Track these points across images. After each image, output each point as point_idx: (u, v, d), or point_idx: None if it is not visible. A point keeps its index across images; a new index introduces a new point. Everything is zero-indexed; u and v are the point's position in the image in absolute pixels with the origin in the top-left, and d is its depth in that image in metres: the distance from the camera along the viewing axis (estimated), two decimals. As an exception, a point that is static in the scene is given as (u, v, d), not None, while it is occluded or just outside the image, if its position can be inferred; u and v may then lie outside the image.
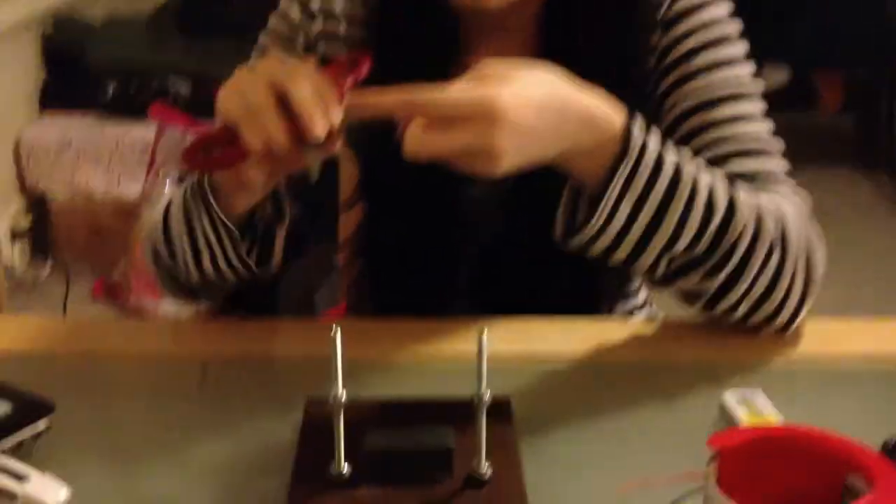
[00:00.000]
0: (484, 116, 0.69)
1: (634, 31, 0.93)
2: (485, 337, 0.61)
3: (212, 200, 0.83)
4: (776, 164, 0.91)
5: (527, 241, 0.94)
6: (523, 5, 0.90)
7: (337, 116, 0.72)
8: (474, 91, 0.70)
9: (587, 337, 0.87)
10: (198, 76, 2.71)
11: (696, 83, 0.91)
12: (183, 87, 2.74)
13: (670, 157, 0.79)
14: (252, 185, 0.81)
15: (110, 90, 2.72)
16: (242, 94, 0.72)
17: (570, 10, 0.92)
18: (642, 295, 1.09)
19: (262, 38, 0.99)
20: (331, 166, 1.00)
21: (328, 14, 0.97)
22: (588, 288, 0.98)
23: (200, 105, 2.56)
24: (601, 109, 0.76)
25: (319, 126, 0.71)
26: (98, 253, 2.47)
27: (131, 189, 2.60)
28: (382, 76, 0.75)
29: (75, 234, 2.69)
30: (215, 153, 0.76)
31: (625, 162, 0.76)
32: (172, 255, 0.89)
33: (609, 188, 0.77)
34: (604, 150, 0.76)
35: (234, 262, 0.86)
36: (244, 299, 0.96)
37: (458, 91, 0.70)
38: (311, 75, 0.72)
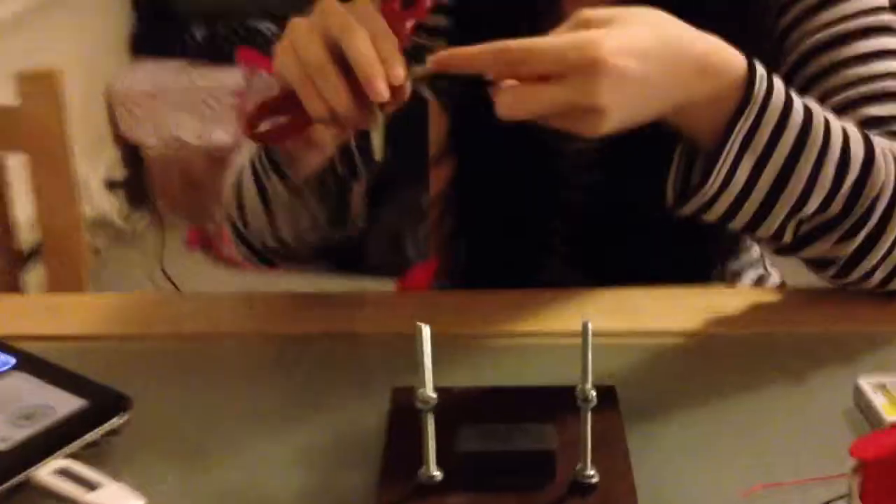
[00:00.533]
0: (584, 67, 0.61)
1: None
2: (590, 327, 0.54)
3: (279, 161, 0.77)
4: None
5: (630, 202, 0.86)
6: None
7: (399, 71, 0.64)
8: (572, 38, 0.62)
9: (698, 308, 0.79)
10: (286, 17, 2.66)
11: (821, 17, 0.81)
12: (271, 30, 2.69)
13: (797, 106, 0.69)
14: (321, 143, 0.75)
15: (198, 35, 2.69)
16: (297, 52, 0.65)
17: None
18: (755, 250, 1.00)
19: None
20: (419, 110, 0.94)
21: None
22: (697, 250, 0.90)
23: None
24: (718, 54, 0.67)
25: (379, 85, 0.63)
26: (192, 202, 2.47)
27: (223, 137, 2.59)
28: (462, 33, 0.68)
29: (169, 184, 2.69)
30: (276, 122, 0.70)
31: (746, 113, 0.67)
32: (246, 223, 0.85)
33: (728, 143, 0.68)
34: (722, 100, 0.67)
35: (310, 223, 0.82)
36: (330, 247, 0.90)
37: (553, 40, 0.62)
38: (368, 20, 0.65)
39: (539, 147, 0.87)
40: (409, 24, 0.68)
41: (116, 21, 2.78)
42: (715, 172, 0.68)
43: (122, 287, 2.43)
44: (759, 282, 0.99)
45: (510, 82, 0.63)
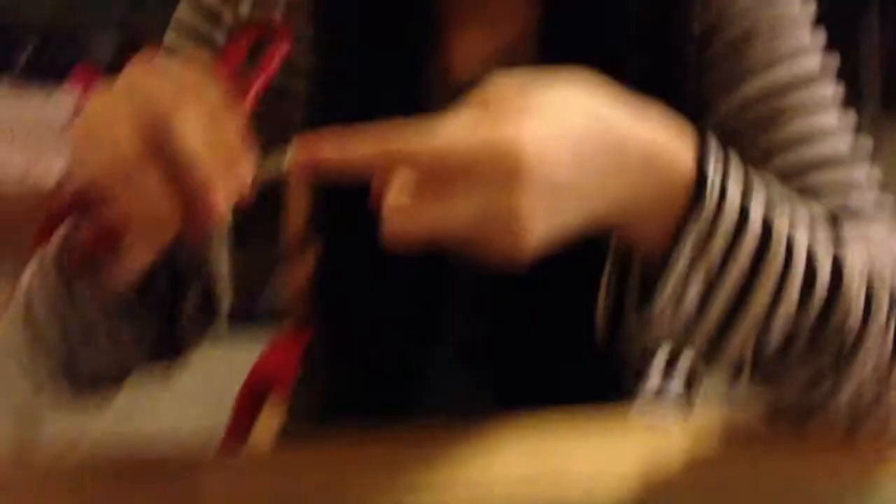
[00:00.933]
0: (500, 169, 0.46)
1: (673, 11, 0.68)
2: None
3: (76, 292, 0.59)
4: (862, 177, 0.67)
5: (536, 315, 0.71)
6: None
7: (244, 174, 0.48)
8: (483, 141, 0.47)
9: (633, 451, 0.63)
10: (128, 28, 2.40)
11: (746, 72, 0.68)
12: (109, 44, 2.43)
13: (756, 206, 0.55)
14: (132, 252, 0.56)
15: (29, 49, 2.41)
16: (104, 144, 0.48)
17: None
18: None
19: (169, 36, 0.72)
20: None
21: None
22: (611, 367, 0.74)
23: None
24: (665, 143, 0.53)
25: (217, 199, 0.47)
26: (8, 253, 2.19)
27: (52, 173, 2.31)
28: (329, 92, 0.57)
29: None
30: (79, 238, 0.52)
31: (695, 218, 0.53)
32: (48, 352, 0.64)
33: (676, 256, 0.53)
34: (668, 202, 0.53)
35: (134, 354, 0.63)
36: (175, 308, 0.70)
37: (459, 140, 0.47)
38: (198, 92, 0.49)
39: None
40: (255, 88, 0.51)
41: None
42: (662, 290, 0.54)
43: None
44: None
45: (398, 184, 0.48)
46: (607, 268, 0.57)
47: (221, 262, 0.65)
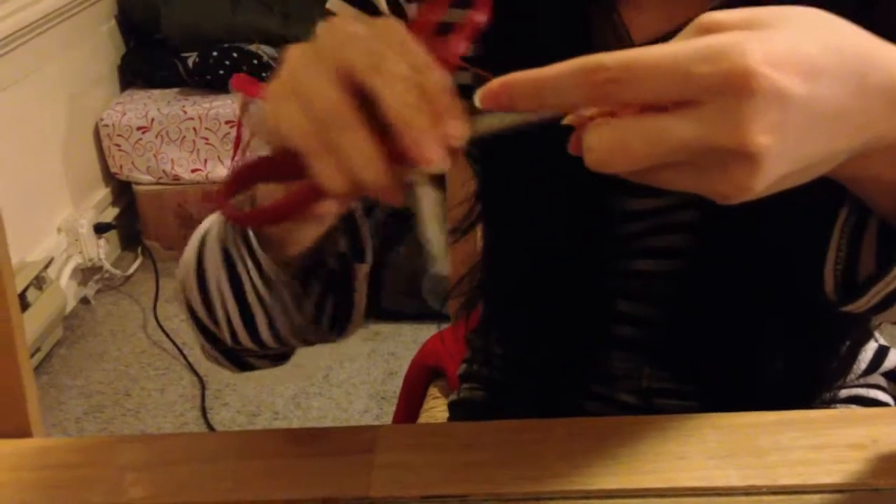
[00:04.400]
0: (725, 86, 0.37)
1: None
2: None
3: (255, 244, 0.57)
4: None
5: (733, 294, 0.65)
6: None
7: (458, 127, 0.42)
8: (700, 46, 0.38)
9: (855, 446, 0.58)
10: (282, 39, 2.46)
11: None
12: (266, 52, 2.49)
13: None
14: (318, 216, 0.54)
15: (190, 62, 2.50)
16: (303, 100, 0.43)
17: None
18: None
19: (332, 2, 0.71)
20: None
21: None
22: (815, 358, 0.68)
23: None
24: None
25: (433, 151, 0.41)
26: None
27: (220, 171, 2.39)
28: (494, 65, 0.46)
29: (163, 224, 2.50)
30: (266, 198, 0.49)
31: None
32: (215, 318, 0.62)
33: None
34: None
35: (299, 322, 0.61)
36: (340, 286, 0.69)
37: (671, 48, 0.38)
38: (404, 49, 0.43)
39: (598, 208, 0.66)
40: (460, 49, 0.45)
41: (105, 50, 2.60)
42: None
43: (112, 339, 2.24)
44: (879, 358, 0.78)
45: (588, 112, 0.40)
46: (839, 222, 0.50)
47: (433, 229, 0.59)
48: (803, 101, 0.38)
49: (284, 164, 0.45)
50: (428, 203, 0.46)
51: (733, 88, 0.37)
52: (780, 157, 0.38)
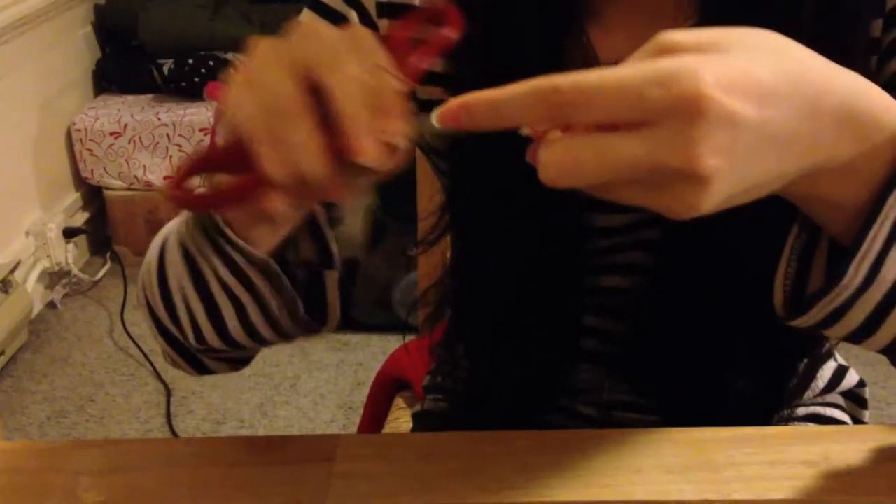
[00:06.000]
0: (677, 109, 0.38)
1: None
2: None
3: (226, 234, 0.56)
4: None
5: (694, 311, 0.66)
6: None
7: (399, 125, 0.44)
8: (653, 69, 0.38)
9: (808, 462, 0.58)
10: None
11: None
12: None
13: None
14: (274, 217, 0.55)
15: (165, 68, 2.49)
16: (258, 89, 0.45)
17: None
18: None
19: (305, 14, 0.71)
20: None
21: None
22: (775, 375, 0.69)
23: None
24: (867, 98, 0.43)
25: (368, 145, 0.43)
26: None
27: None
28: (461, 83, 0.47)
29: (133, 230, 2.48)
30: (214, 186, 0.49)
31: None
32: (175, 318, 0.62)
33: (876, 222, 0.46)
34: (869, 162, 0.45)
35: (266, 320, 0.60)
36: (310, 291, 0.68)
37: (625, 71, 0.39)
38: (363, 51, 0.45)
39: (565, 223, 0.66)
40: (422, 64, 0.47)
41: (80, 54, 2.58)
42: (854, 266, 0.47)
43: (78, 344, 2.22)
44: (837, 377, 0.79)
45: (556, 134, 0.41)
46: (791, 238, 0.51)
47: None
48: (753, 125, 0.39)
49: (237, 155, 0.46)
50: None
51: (684, 112, 0.37)
52: (728, 178, 0.39)
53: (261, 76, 0.44)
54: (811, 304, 0.49)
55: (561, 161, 0.40)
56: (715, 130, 0.38)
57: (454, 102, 0.42)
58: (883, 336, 0.50)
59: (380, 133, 0.43)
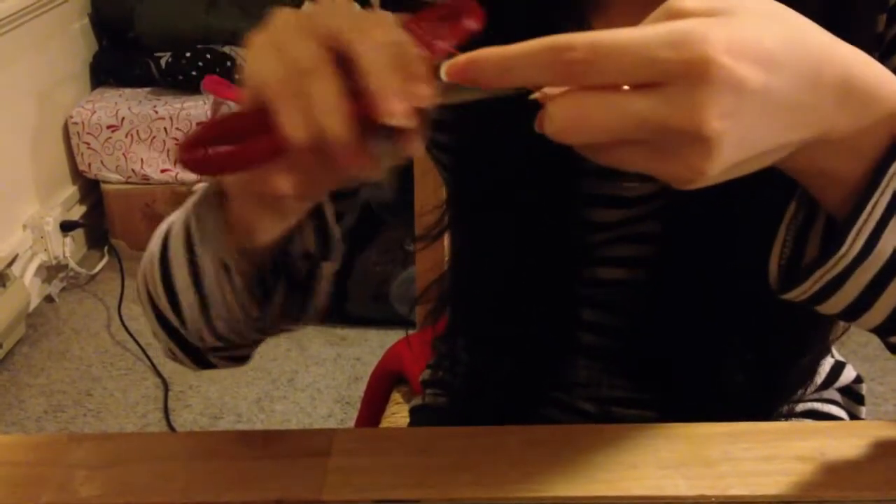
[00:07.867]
0: (685, 71, 0.38)
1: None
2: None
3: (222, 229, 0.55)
4: None
5: (697, 284, 0.65)
6: None
7: (425, 93, 0.42)
8: (664, 31, 0.39)
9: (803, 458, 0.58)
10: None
11: None
12: (240, 55, 2.48)
13: None
14: (283, 201, 0.52)
15: (162, 62, 2.48)
16: (282, 50, 0.43)
17: None
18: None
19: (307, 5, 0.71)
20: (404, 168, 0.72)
21: None
22: (775, 371, 0.69)
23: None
24: (868, 69, 0.44)
25: (398, 106, 0.42)
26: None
27: (188, 171, 2.37)
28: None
29: (130, 224, 2.48)
30: (229, 148, 0.46)
31: None
32: (178, 310, 0.61)
33: (874, 195, 0.46)
34: (869, 135, 0.45)
35: (258, 313, 0.60)
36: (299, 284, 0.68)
37: (636, 32, 0.39)
38: (388, 28, 0.44)
39: (566, 217, 0.66)
40: (444, 46, 0.45)
41: (77, 47, 2.58)
42: (853, 233, 0.46)
43: (76, 338, 2.21)
44: (835, 373, 0.79)
45: (556, 90, 0.40)
46: (788, 212, 0.51)
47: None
48: (759, 91, 0.39)
49: (252, 121, 0.44)
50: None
51: (693, 74, 0.38)
52: (733, 143, 0.39)
53: (284, 38, 0.43)
54: (807, 274, 0.49)
55: (568, 113, 0.39)
56: (722, 94, 0.38)
57: (462, 58, 0.41)
58: (877, 313, 0.50)
59: (407, 95, 0.42)
